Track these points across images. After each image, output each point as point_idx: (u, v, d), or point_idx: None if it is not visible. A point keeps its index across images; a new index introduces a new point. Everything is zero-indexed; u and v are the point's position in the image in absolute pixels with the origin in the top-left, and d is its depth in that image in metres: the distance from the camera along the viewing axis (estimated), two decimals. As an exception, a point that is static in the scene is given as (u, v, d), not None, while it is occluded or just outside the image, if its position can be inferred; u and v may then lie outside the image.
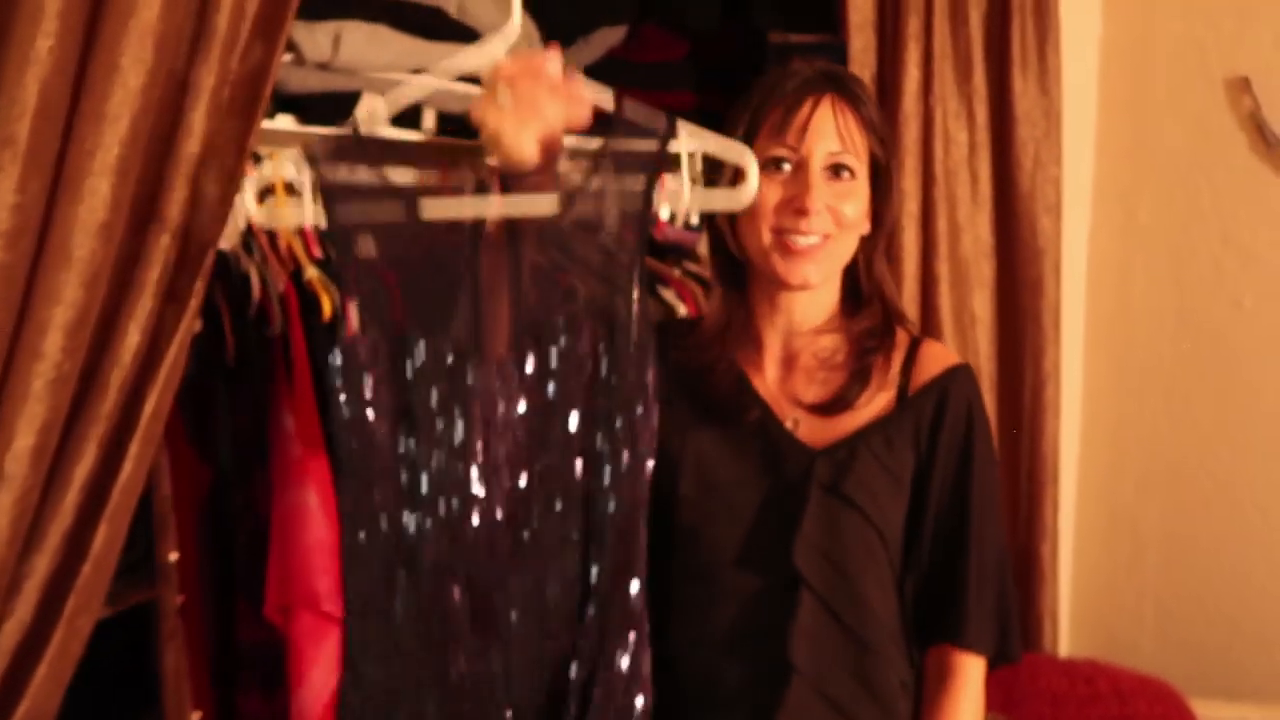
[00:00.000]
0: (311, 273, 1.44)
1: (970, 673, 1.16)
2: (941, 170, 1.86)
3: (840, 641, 1.14)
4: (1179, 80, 2.14)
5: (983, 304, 1.93)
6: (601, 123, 1.03)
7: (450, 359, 1.02)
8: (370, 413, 1.03)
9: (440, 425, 1.03)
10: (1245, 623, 2.08)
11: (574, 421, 1.03)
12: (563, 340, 1.03)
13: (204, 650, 1.31)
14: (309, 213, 1.54)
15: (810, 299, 1.19)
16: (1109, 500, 2.27)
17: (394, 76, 1.58)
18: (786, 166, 1.15)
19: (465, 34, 1.64)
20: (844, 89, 1.17)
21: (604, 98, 1.01)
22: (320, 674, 1.31)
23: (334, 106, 1.53)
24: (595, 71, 1.83)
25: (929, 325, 1.86)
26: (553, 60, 1.01)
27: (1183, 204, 2.15)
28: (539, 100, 0.99)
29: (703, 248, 1.85)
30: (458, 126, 1.64)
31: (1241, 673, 2.08)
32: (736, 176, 1.13)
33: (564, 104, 1.01)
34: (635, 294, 1.02)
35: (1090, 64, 2.22)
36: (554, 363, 1.03)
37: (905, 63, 1.82)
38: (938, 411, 1.16)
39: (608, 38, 1.84)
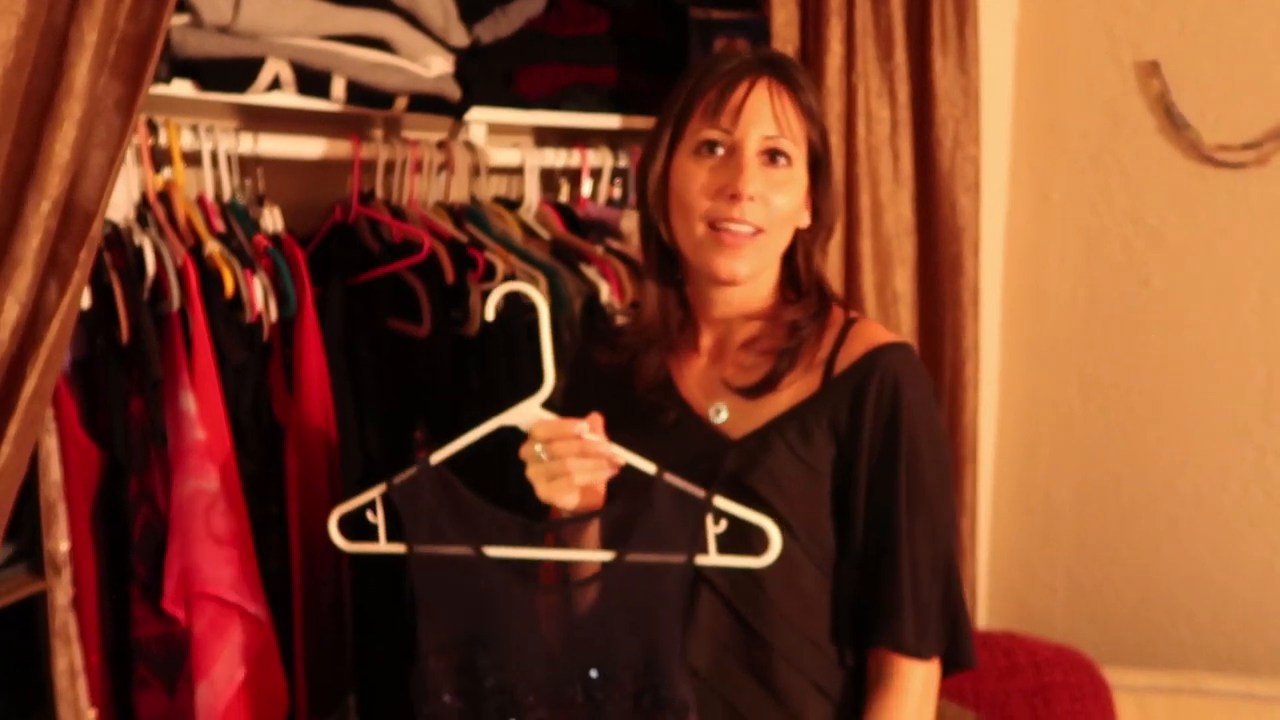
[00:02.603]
0: (212, 246, 1.37)
1: (909, 678, 1.09)
2: (864, 148, 1.86)
3: (742, 642, 1.10)
4: (1091, 63, 2.17)
5: (904, 281, 1.94)
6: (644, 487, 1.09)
7: (507, 688, 1.09)
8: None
9: None
10: (1153, 593, 2.15)
11: None
12: (608, 685, 1.08)
13: (98, 645, 1.24)
14: (209, 183, 1.47)
15: (746, 288, 1.14)
16: (1024, 476, 2.31)
17: (300, 42, 1.51)
18: (719, 150, 1.10)
19: (376, -1, 1.58)
20: (783, 73, 1.12)
21: (646, 465, 1.07)
22: (224, 667, 1.26)
23: (236, 72, 1.46)
24: (514, 43, 1.78)
25: (852, 303, 1.86)
26: (586, 425, 1.06)
27: (1094, 185, 2.19)
28: (569, 461, 1.06)
29: (626, 224, 1.82)
30: (368, 95, 1.58)
31: (1150, 641, 2.14)
32: None
33: (594, 467, 1.07)
34: (678, 647, 1.06)
35: (1006, 46, 2.24)
36: (600, 704, 1.08)
37: (828, 38, 1.81)
38: (857, 394, 1.09)
39: (526, 9, 1.79)
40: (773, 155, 1.11)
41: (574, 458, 1.05)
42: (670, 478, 1.05)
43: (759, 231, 1.10)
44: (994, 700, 1.69)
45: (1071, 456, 2.24)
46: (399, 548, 1.09)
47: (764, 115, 1.10)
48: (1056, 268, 2.25)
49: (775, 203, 1.10)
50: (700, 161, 1.11)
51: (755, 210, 1.09)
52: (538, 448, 1.06)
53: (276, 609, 1.33)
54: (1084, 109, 2.19)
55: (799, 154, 1.12)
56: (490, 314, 1.10)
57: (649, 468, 1.06)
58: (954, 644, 1.12)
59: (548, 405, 1.08)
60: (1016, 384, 2.30)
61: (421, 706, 1.10)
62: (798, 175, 1.12)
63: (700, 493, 1.05)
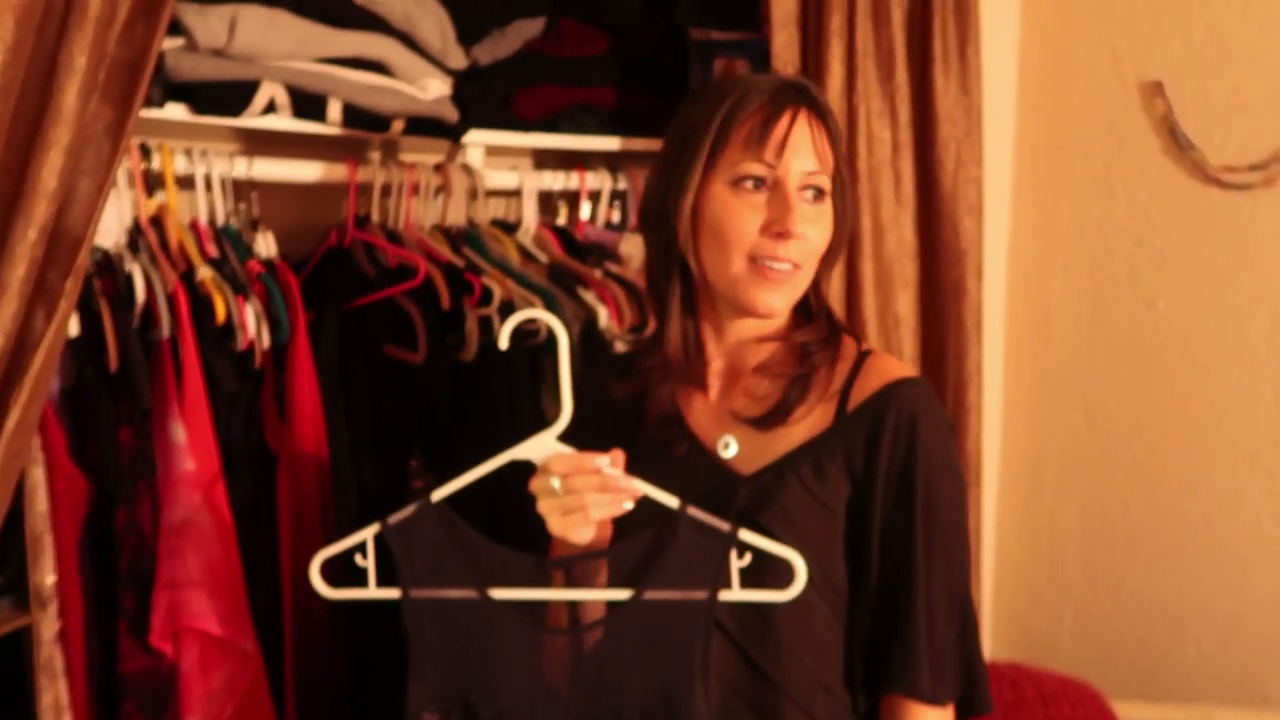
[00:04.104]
0: (205, 273, 1.35)
1: None
2: (866, 169, 1.84)
3: (752, 686, 1.07)
4: (1094, 84, 2.16)
5: (907, 305, 1.92)
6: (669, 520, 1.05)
7: None
8: None
9: None
10: (1161, 621, 2.11)
11: None
12: None
13: (84, 680, 1.21)
14: (203, 207, 1.46)
15: (763, 321, 1.12)
16: (1029, 502, 2.28)
17: (295, 65, 1.50)
18: (762, 184, 1.07)
19: (372, 22, 1.56)
20: (816, 104, 1.09)
21: (668, 499, 1.04)
22: (213, 703, 1.23)
23: (230, 95, 1.45)
24: (513, 65, 1.77)
25: (853, 327, 1.83)
26: (607, 460, 1.04)
27: (1098, 206, 2.18)
28: (586, 496, 1.02)
29: (624, 248, 1.80)
30: (364, 118, 1.56)
31: (1158, 670, 2.11)
32: None
33: (611, 502, 1.03)
34: (699, 684, 1.03)
35: (1009, 66, 2.23)
36: None
37: (828, 60, 1.80)
38: (873, 432, 1.06)
39: (524, 30, 1.78)
40: (812, 191, 1.09)
41: (592, 492, 1.02)
42: (694, 511, 1.03)
43: (797, 267, 1.09)
44: (1000, 734, 1.66)
45: (1077, 482, 2.21)
46: (392, 593, 1.04)
47: (806, 150, 1.08)
48: (1060, 290, 2.23)
49: (812, 238, 1.09)
50: (740, 195, 1.07)
51: (799, 248, 1.08)
52: (554, 482, 1.02)
53: (267, 643, 1.30)
54: (1088, 130, 2.18)
55: (830, 185, 1.11)
56: (504, 342, 1.07)
57: (672, 501, 1.03)
58: (969, 688, 1.09)
59: (564, 438, 1.05)
60: (1020, 408, 2.28)
61: None
62: (828, 208, 1.11)
63: (725, 526, 1.02)
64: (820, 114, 1.10)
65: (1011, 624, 2.28)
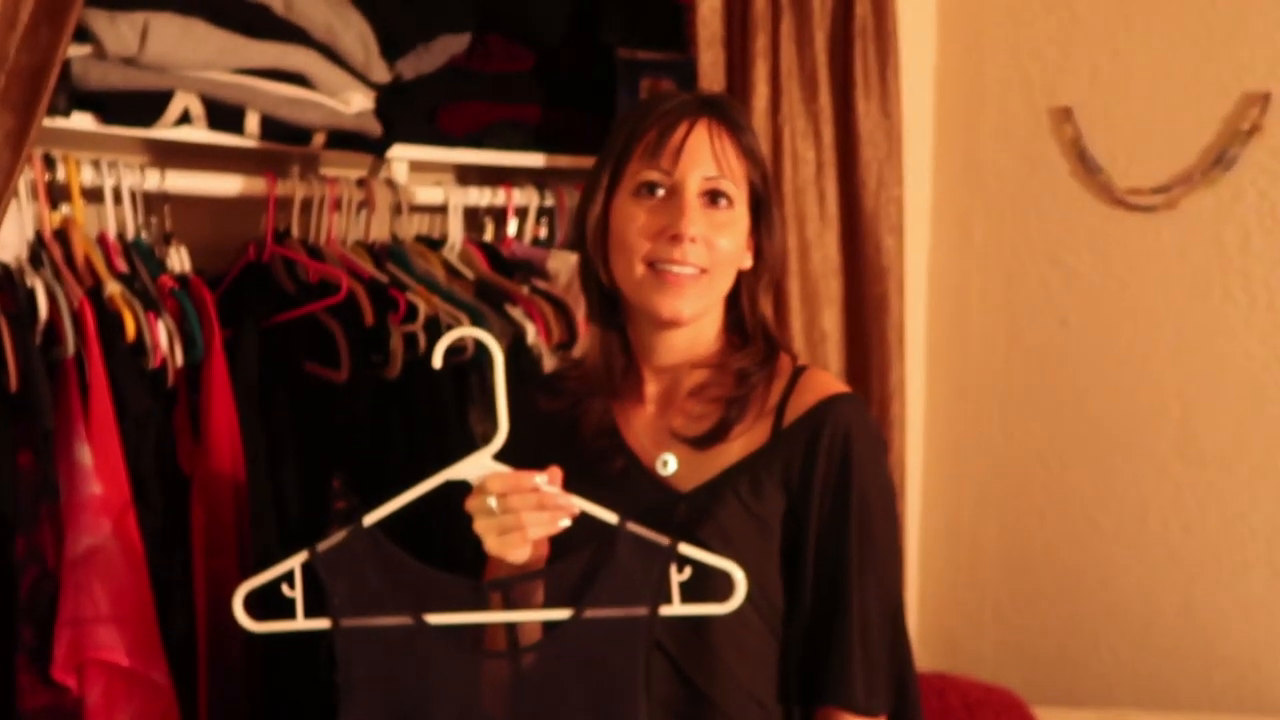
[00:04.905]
0: (113, 288, 1.30)
1: None
2: (791, 188, 1.87)
3: (687, 705, 1.06)
4: (1007, 109, 2.23)
5: (832, 321, 1.95)
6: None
7: None
8: None
9: None
10: (1078, 628, 2.17)
11: None
12: None
13: (-21, 721, 1.14)
14: (112, 221, 1.40)
15: (690, 333, 1.12)
16: (950, 513, 2.33)
17: (212, 75, 1.45)
18: (660, 191, 1.08)
19: (292, 33, 1.53)
20: (723, 114, 1.11)
21: (606, 515, 1.03)
22: (122, 740, 1.17)
23: (142, 105, 1.40)
24: (438, 80, 1.75)
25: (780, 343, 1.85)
26: (545, 478, 1.03)
27: (1012, 226, 2.24)
28: (523, 515, 1.01)
29: (552, 264, 1.79)
30: (284, 131, 1.52)
31: (1076, 676, 2.16)
32: None
33: (549, 520, 1.02)
34: (640, 702, 1.02)
35: (927, 91, 2.29)
36: None
37: (754, 80, 1.82)
38: (809, 447, 1.06)
39: (450, 45, 1.76)
40: (714, 196, 1.09)
41: (530, 511, 1.01)
42: (634, 526, 1.02)
43: (703, 272, 1.09)
44: (928, 745, 1.68)
45: (996, 494, 2.27)
46: (321, 623, 1.00)
47: (704, 156, 1.09)
48: (979, 307, 2.29)
49: (718, 244, 1.09)
50: (640, 202, 1.09)
51: (698, 252, 1.08)
52: (491, 500, 1.01)
53: (180, 675, 1.24)
54: (1001, 152, 2.24)
55: (740, 195, 1.11)
56: (438, 361, 1.05)
57: (610, 517, 1.02)
58: (901, 700, 1.11)
59: (499, 457, 1.03)
60: (942, 422, 2.33)
61: None
62: (739, 216, 1.11)
63: (664, 541, 1.01)
64: (728, 123, 1.11)
65: (935, 634, 2.32)
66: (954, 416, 2.31)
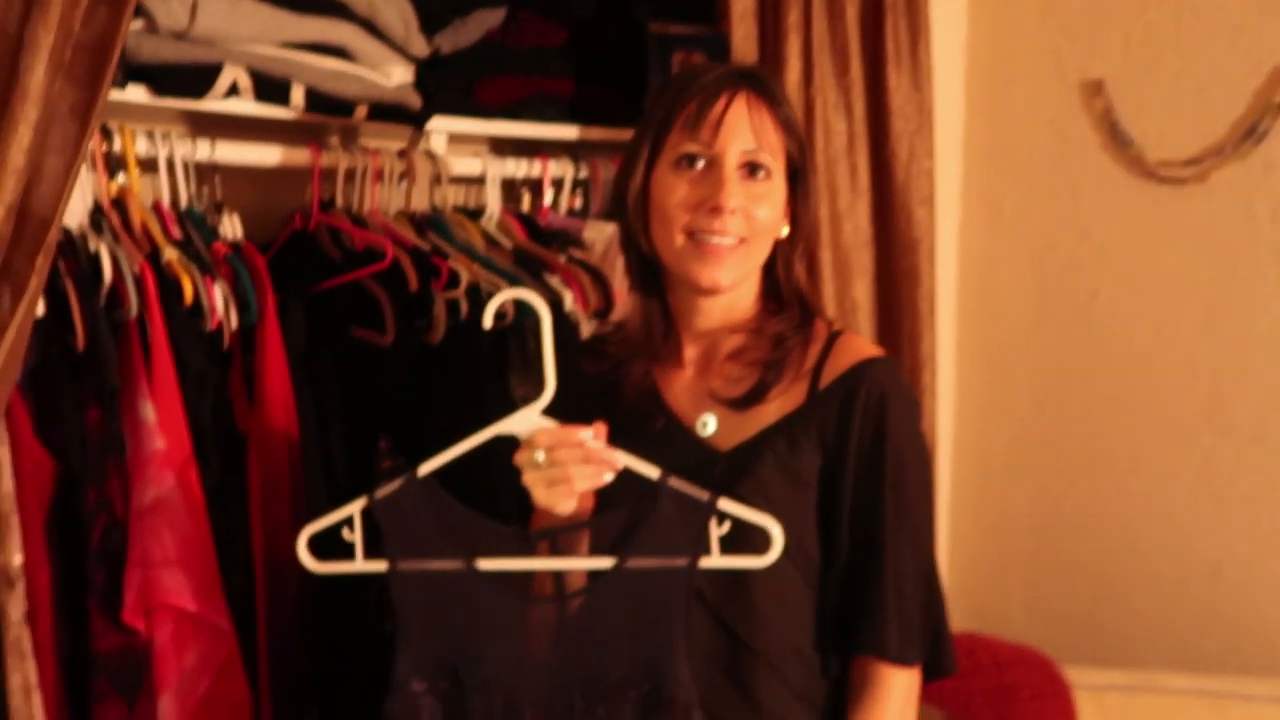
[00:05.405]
0: (170, 254, 1.34)
1: (891, 685, 1.10)
2: (823, 159, 1.89)
3: (727, 653, 1.10)
4: (1038, 82, 2.23)
5: (863, 291, 1.97)
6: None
7: (500, 707, 1.07)
8: None
9: None
10: (1106, 594, 2.19)
11: None
12: (609, 698, 1.07)
13: (53, 659, 1.20)
14: (165, 190, 1.45)
15: (728, 299, 1.15)
16: (980, 481, 2.35)
17: (258, 49, 1.49)
18: (700, 163, 1.11)
19: (334, 8, 1.57)
20: (761, 86, 1.13)
21: (649, 470, 1.07)
22: (187, 680, 1.22)
23: (192, 78, 1.44)
24: (474, 55, 1.78)
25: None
26: (590, 433, 1.06)
27: (1043, 200, 2.25)
28: (570, 468, 1.05)
29: (588, 234, 1.83)
30: (328, 103, 1.56)
31: (1104, 640, 2.18)
32: None
33: (594, 473, 1.06)
34: (680, 647, 1.06)
35: (958, 65, 2.30)
36: (601, 718, 1.06)
37: (786, 54, 1.84)
38: (845, 407, 1.10)
39: (485, 20, 1.79)
40: (752, 169, 1.12)
41: (576, 464, 1.05)
42: (675, 481, 1.06)
43: (741, 242, 1.12)
44: (957, 699, 1.71)
45: (1027, 462, 2.29)
46: (379, 566, 1.05)
47: (743, 129, 1.11)
48: (1009, 279, 2.30)
49: (756, 215, 1.12)
50: (680, 174, 1.12)
51: (736, 223, 1.11)
52: (539, 455, 1.05)
53: (240, 622, 1.30)
54: (1032, 126, 2.25)
55: (778, 166, 1.14)
56: (489, 321, 1.09)
57: (653, 472, 1.06)
58: (935, 651, 1.14)
59: (546, 413, 1.07)
60: (972, 392, 2.35)
61: None
62: (777, 187, 1.14)
63: (704, 495, 1.05)
64: (766, 95, 1.13)
65: (965, 599, 2.34)
66: (984, 386, 2.33)
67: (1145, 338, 2.14)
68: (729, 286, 1.13)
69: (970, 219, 2.33)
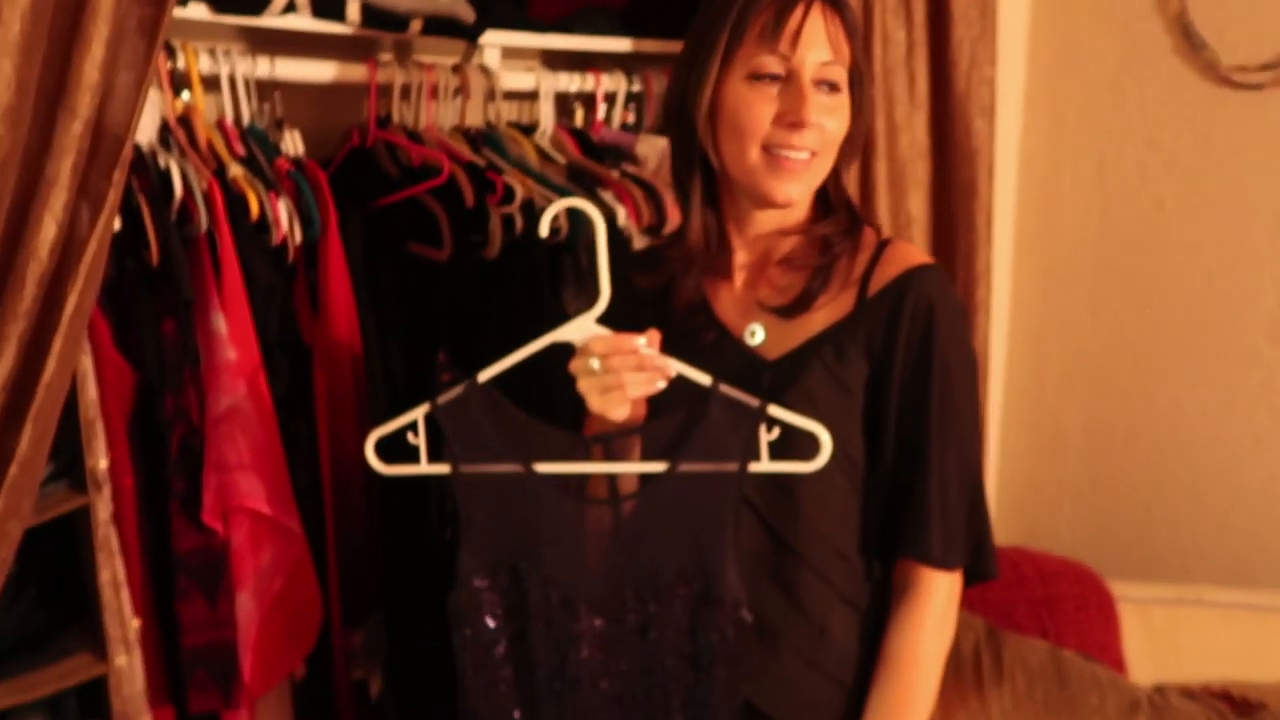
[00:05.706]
0: (236, 170, 1.38)
1: (933, 587, 1.12)
2: (881, 69, 1.85)
3: (772, 555, 1.13)
4: (1109, -18, 2.15)
5: (919, 204, 1.95)
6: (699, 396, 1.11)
7: (557, 603, 1.11)
8: (489, 641, 1.13)
9: (550, 660, 1.12)
10: (1157, 510, 2.19)
11: (669, 668, 1.11)
12: (660, 595, 1.10)
13: (139, 558, 1.28)
14: (229, 107, 1.48)
15: (785, 211, 1.16)
16: (1032, 395, 2.34)
17: (315, -36, 1.50)
18: (777, 75, 1.10)
19: (389, -76, 1.55)
20: None
21: (701, 377, 1.08)
22: (262, 579, 1.30)
23: (250, -5, 1.45)
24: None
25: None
26: (643, 340, 1.08)
27: (1109, 108, 2.18)
28: (624, 375, 1.07)
29: (641, 149, 1.82)
30: (382, 18, 1.57)
31: (1153, 555, 2.19)
32: None
33: (647, 380, 1.08)
34: (728, 548, 1.08)
35: (1022, -35, 2.22)
36: (652, 614, 1.10)
37: (844, -42, 1.79)
38: (892, 315, 1.10)
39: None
40: (827, 83, 1.11)
41: (630, 371, 1.07)
42: (726, 388, 1.08)
43: (814, 155, 1.12)
44: (1001, 609, 1.74)
45: (1081, 377, 2.27)
46: (442, 468, 1.09)
47: (820, 41, 1.10)
48: (1070, 191, 2.25)
49: (828, 127, 1.11)
50: (756, 88, 1.10)
51: (812, 136, 1.10)
52: (594, 362, 1.07)
53: (309, 524, 1.36)
54: (1101, 30, 2.17)
55: (845, 77, 1.13)
56: (545, 230, 1.11)
57: (704, 379, 1.08)
58: (978, 557, 1.16)
59: (599, 323, 1.09)
60: (1027, 307, 2.32)
61: (462, 630, 1.11)
62: (844, 99, 1.13)
63: (754, 402, 1.07)
64: (835, 6, 1.11)
65: (1014, 513, 2.36)
66: (1040, 300, 2.30)
67: (1211, 251, 2.09)
68: (801, 201, 1.14)
69: (1032, 128, 2.27)
